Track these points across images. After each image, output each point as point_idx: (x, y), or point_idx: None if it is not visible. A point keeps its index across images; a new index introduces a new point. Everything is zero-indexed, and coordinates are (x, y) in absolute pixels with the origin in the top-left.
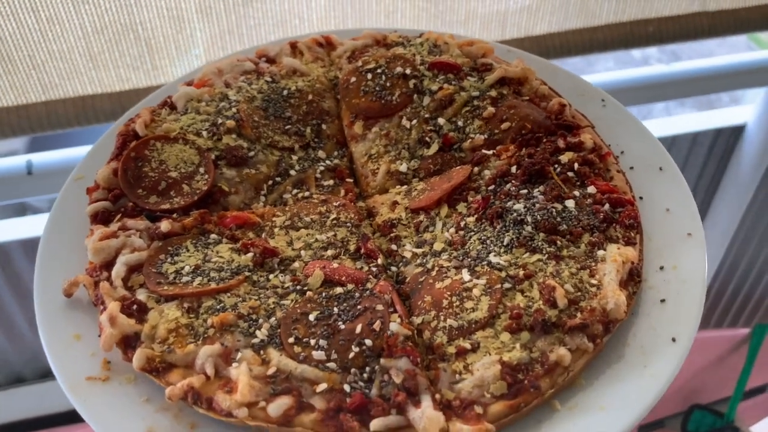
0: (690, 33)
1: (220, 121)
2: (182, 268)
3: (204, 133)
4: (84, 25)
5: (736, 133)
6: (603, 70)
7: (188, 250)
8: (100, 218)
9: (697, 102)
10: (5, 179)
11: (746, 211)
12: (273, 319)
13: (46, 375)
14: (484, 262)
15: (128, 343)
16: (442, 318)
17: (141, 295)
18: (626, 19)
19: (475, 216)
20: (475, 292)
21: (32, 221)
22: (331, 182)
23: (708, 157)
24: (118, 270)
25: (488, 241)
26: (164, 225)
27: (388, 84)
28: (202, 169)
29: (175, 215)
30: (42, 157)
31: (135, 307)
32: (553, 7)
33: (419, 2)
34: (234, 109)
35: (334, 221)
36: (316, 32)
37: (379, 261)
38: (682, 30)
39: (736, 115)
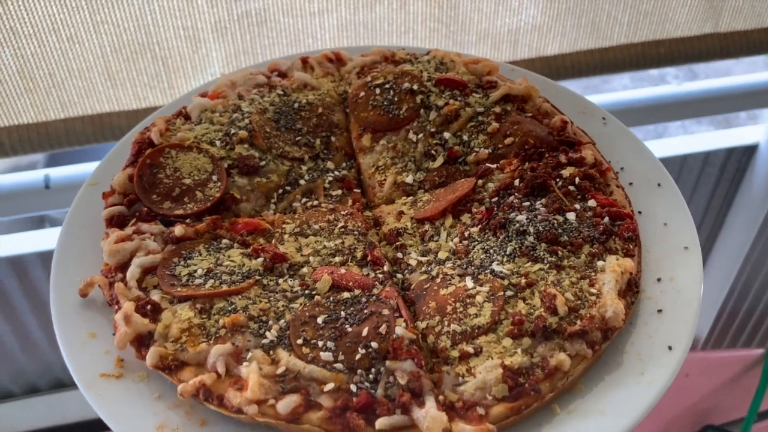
0: (702, 54)
1: (233, 131)
2: (195, 271)
3: (217, 143)
4: (103, 44)
5: (748, 152)
6: (619, 87)
7: (201, 254)
8: (116, 222)
9: (713, 119)
10: (23, 193)
11: (759, 231)
12: (282, 321)
13: (61, 386)
14: (488, 271)
15: (142, 341)
16: (446, 323)
17: (155, 296)
18: (638, 40)
19: (479, 226)
20: (479, 298)
21: (49, 234)
22: (339, 192)
23: (720, 177)
24: (133, 271)
25: (491, 251)
26: (178, 229)
27: (395, 99)
28: (215, 177)
29: (188, 220)
30: (59, 172)
31: (149, 307)
32: (564, 29)
33: (431, 23)
34: (246, 120)
35: (342, 229)
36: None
37: (385, 268)
38: (694, 51)
39: (749, 135)
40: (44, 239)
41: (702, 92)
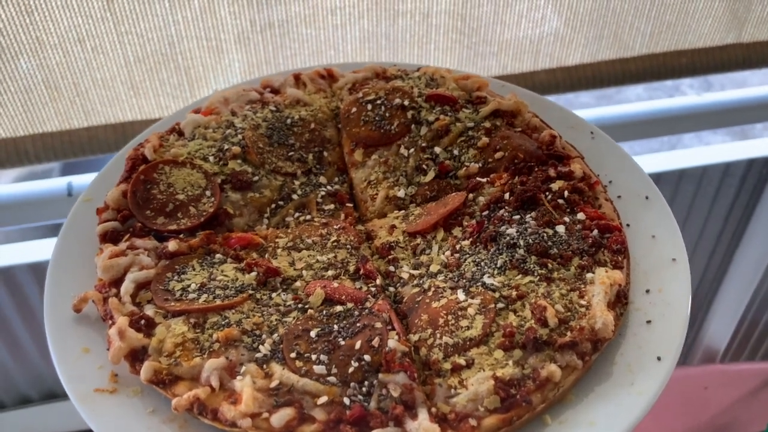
0: (724, 65)
1: (226, 147)
2: (189, 286)
3: (211, 158)
4: (126, 54)
5: None
6: (632, 96)
7: (194, 269)
8: (110, 237)
9: (729, 129)
10: (47, 201)
11: None
12: (275, 335)
13: (53, 396)
14: (479, 283)
15: (136, 356)
16: (438, 335)
17: (149, 311)
18: (659, 50)
19: (470, 239)
20: (470, 311)
21: (40, 245)
22: (332, 206)
23: (740, 188)
24: (127, 287)
25: (482, 264)
26: (171, 245)
27: (387, 114)
28: (208, 192)
29: (182, 236)
30: (83, 180)
31: (143, 321)
32: (587, 39)
33: (453, 34)
34: (240, 136)
35: (335, 243)
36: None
37: (378, 281)
38: (716, 62)
39: None
40: (36, 250)
41: (718, 104)
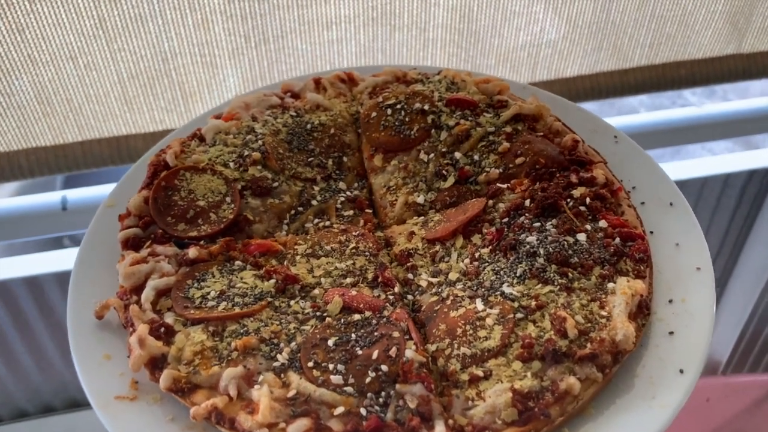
0: (724, 75)
1: (246, 153)
2: (208, 293)
3: (231, 164)
4: (120, 71)
5: None
6: (635, 103)
7: (214, 276)
8: (131, 244)
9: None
10: (41, 215)
11: None
12: (293, 343)
13: (75, 405)
14: (498, 293)
15: (155, 364)
16: (455, 346)
17: (168, 318)
18: (658, 61)
19: (490, 247)
20: (489, 321)
21: (65, 255)
22: (351, 212)
23: (741, 199)
24: (148, 294)
25: (502, 272)
26: (192, 252)
27: (407, 119)
28: (228, 199)
29: (202, 242)
30: (77, 194)
31: (163, 329)
32: (585, 51)
33: (450, 48)
34: (260, 142)
35: (353, 250)
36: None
37: (396, 289)
38: (716, 72)
39: None
40: (61, 260)
41: (721, 114)
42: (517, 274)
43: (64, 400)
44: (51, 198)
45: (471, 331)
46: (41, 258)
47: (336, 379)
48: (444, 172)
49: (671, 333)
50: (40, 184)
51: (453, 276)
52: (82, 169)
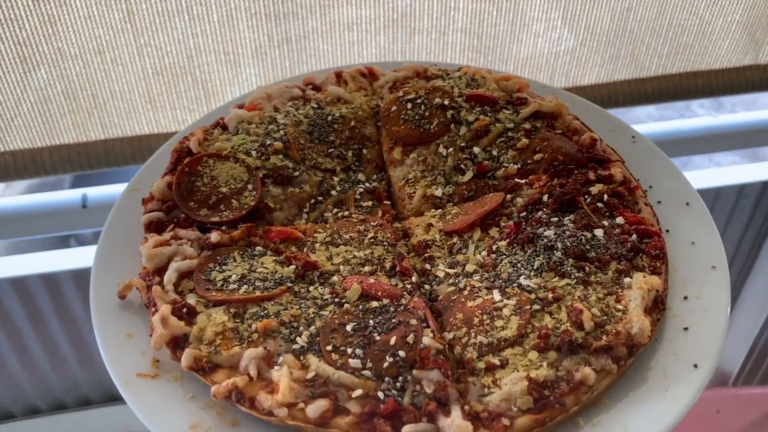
0: (741, 86)
1: (268, 142)
2: (229, 277)
3: (253, 153)
4: (145, 66)
5: None
6: (643, 114)
7: (235, 260)
8: (154, 227)
9: (740, 150)
10: (61, 212)
11: None
12: (312, 327)
13: (87, 403)
14: (515, 284)
15: (177, 343)
16: (472, 335)
17: (191, 300)
18: (675, 71)
19: (507, 240)
20: (505, 311)
21: (80, 252)
22: (370, 203)
23: (755, 210)
24: (170, 275)
25: (519, 265)
26: (214, 236)
27: (426, 114)
28: (250, 186)
29: (223, 227)
30: (97, 192)
31: (185, 310)
32: (603, 59)
33: (468, 53)
34: (282, 132)
35: (372, 240)
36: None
37: (414, 279)
38: (733, 83)
39: None
40: (76, 258)
41: (729, 126)
42: (535, 267)
43: (75, 397)
44: (71, 195)
45: (488, 321)
46: (58, 255)
47: (354, 362)
48: (462, 166)
49: (686, 329)
50: (49, 183)
51: (470, 267)
52: (103, 167)
